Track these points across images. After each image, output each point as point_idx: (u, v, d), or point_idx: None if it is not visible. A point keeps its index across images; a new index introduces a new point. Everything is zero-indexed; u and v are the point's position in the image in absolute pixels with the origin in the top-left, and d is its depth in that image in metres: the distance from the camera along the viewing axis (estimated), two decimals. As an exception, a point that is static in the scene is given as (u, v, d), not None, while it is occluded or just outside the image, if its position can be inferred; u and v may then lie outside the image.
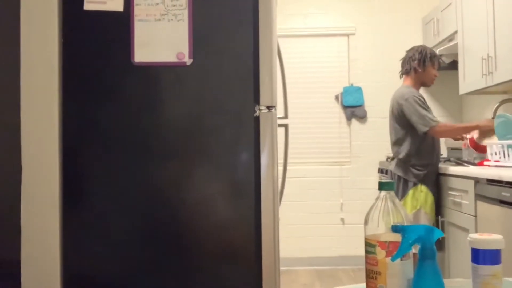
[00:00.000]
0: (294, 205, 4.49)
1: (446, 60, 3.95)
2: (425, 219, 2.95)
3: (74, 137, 1.80)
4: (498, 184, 2.31)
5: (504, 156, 2.58)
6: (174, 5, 1.81)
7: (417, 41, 4.36)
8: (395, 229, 0.93)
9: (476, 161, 3.05)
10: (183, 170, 1.79)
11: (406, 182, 3.00)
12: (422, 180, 2.97)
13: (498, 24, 2.87)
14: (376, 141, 4.49)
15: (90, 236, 1.78)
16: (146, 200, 1.79)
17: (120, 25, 1.81)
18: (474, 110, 4.15)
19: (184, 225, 1.78)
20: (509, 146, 2.55)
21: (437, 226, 2.98)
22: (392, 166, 3.12)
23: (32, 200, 1.76)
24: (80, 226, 1.79)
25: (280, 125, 1.99)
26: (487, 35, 2.99)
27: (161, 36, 1.80)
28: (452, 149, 3.95)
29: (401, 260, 0.93)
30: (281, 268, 3.83)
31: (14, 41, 1.78)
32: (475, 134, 2.99)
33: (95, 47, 1.81)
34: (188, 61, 1.81)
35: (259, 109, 1.80)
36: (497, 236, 0.93)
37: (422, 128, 2.92)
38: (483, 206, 2.50)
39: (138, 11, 1.81)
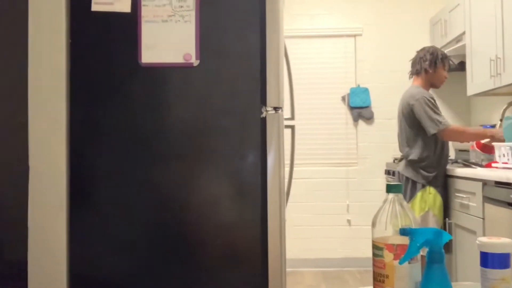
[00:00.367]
0: (300, 206, 4.48)
1: (455, 62, 3.93)
2: (434, 221, 2.93)
3: (81, 138, 1.81)
4: (506, 186, 2.30)
5: (513, 158, 2.56)
6: (181, 6, 1.81)
7: (425, 42, 4.34)
8: (403, 232, 0.92)
9: (483, 163, 3.03)
10: (189, 171, 1.79)
11: (414, 183, 2.98)
12: (431, 182, 2.96)
13: (507, 25, 2.84)
14: (383, 142, 4.47)
15: (96, 236, 1.78)
16: (152, 201, 1.79)
17: (127, 26, 1.81)
18: (482, 112, 4.13)
19: (190, 227, 1.78)
20: (517, 148, 2.53)
21: (445, 229, 2.96)
22: (400, 167, 3.10)
23: (39, 200, 1.77)
24: (86, 226, 1.79)
25: (286, 126, 1.98)
26: (495, 36, 2.97)
27: (168, 37, 1.80)
28: (460, 150, 3.92)
29: (409, 263, 0.92)
30: (286, 269, 3.82)
31: (22, 42, 1.79)
32: (485, 141, 2.95)
33: (103, 48, 1.82)
34: (195, 62, 1.81)
35: (266, 110, 1.80)
36: (507, 240, 0.92)
37: (431, 130, 2.90)
38: (491, 208, 2.48)
39: (145, 12, 1.81)
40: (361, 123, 4.53)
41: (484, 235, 2.53)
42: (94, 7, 1.81)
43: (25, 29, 1.78)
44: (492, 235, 2.35)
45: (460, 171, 2.83)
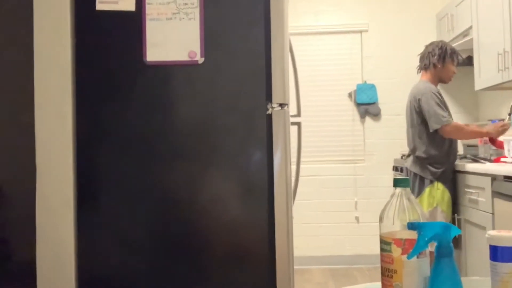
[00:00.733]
0: (308, 203, 4.47)
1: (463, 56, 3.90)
2: (442, 217, 2.91)
3: (87, 136, 1.81)
4: (516, 180, 2.28)
5: (522, 152, 2.54)
6: (185, 4, 1.80)
7: (431, 37, 4.31)
8: (411, 226, 0.91)
9: (492, 158, 3.00)
10: (195, 169, 1.79)
11: (422, 179, 2.97)
12: (439, 178, 2.94)
13: (514, 18, 2.82)
14: (390, 138, 4.45)
15: (104, 235, 1.79)
16: (159, 200, 1.79)
17: (132, 24, 1.81)
18: (490, 106, 4.09)
19: (196, 225, 1.78)
20: (526, 142, 2.51)
21: (454, 224, 2.94)
22: (408, 163, 3.08)
23: (46, 200, 1.77)
24: (94, 225, 1.79)
25: (293, 123, 1.97)
26: (503, 30, 2.94)
27: (173, 35, 1.80)
28: (468, 146, 3.90)
29: (417, 258, 0.91)
30: (294, 267, 3.81)
31: (27, 42, 1.80)
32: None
33: (107, 47, 1.82)
34: (200, 59, 1.80)
35: (272, 107, 1.79)
36: (517, 233, 0.91)
37: (433, 125, 2.89)
38: (500, 203, 2.46)
39: (150, 11, 1.81)
40: (368, 119, 4.51)
41: (493, 230, 2.51)
42: (99, 6, 1.81)
43: (30, 29, 1.79)
44: (502, 229, 2.33)
45: (469, 166, 2.81)
